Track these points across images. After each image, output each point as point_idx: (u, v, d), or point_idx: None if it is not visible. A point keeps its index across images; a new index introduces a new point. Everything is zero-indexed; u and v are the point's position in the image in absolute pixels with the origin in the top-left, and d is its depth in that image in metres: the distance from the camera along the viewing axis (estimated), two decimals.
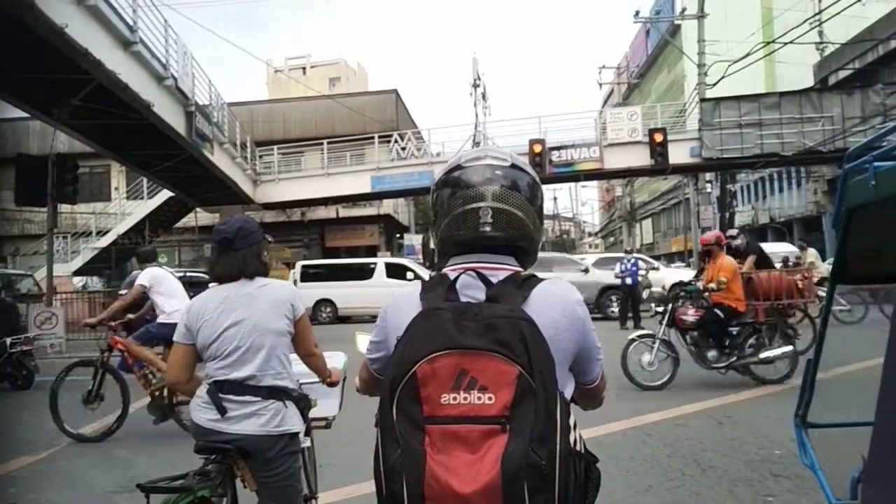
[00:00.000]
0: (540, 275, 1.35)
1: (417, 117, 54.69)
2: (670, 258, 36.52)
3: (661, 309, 7.48)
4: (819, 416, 2.08)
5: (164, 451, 5.25)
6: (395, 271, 18.42)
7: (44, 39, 10.14)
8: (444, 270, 1.38)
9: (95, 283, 23.16)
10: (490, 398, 1.13)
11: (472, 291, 1.30)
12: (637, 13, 28.00)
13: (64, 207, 18.25)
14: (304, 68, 45.38)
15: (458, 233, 1.35)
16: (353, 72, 47.36)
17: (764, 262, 9.36)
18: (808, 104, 20.42)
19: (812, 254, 14.87)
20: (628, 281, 14.53)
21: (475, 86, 30.05)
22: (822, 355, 2.00)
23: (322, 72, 44.54)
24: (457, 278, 1.32)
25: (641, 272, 15.24)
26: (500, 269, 1.34)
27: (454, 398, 1.14)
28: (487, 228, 1.32)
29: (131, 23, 12.84)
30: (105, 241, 23.72)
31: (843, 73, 23.57)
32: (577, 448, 1.21)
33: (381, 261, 19.64)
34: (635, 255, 17.75)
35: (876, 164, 1.53)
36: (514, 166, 1.38)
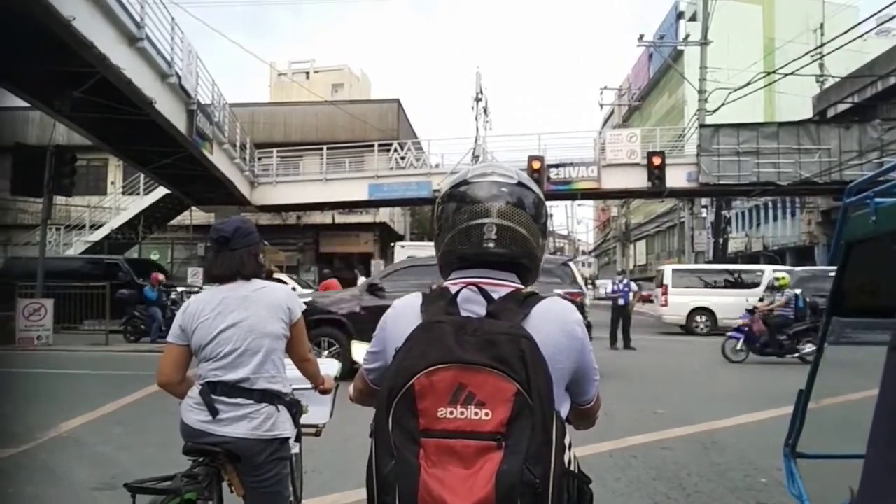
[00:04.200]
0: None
1: (418, 127, 54.68)
2: None
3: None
4: (806, 447, 2.09)
5: (146, 449, 5.20)
6: None
7: (50, 30, 10.14)
8: (446, 284, 1.38)
9: None
10: (487, 414, 1.13)
11: (472, 306, 1.30)
12: (641, 37, 28.20)
13: (59, 199, 18.22)
14: (307, 73, 45.41)
15: (462, 247, 1.36)
16: (356, 79, 47.47)
17: None
18: (805, 135, 20.60)
19: None
20: (620, 301, 14.62)
21: (477, 99, 30.18)
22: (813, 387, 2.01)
23: (325, 77, 44.60)
24: (458, 292, 1.32)
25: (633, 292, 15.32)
26: (502, 286, 1.35)
27: (451, 412, 1.14)
28: (491, 245, 1.33)
29: (138, 19, 12.85)
30: (98, 235, 23.62)
31: (841, 107, 23.79)
32: (571, 468, 1.21)
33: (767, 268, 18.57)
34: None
35: (877, 199, 1.55)
36: (520, 184, 1.39)
